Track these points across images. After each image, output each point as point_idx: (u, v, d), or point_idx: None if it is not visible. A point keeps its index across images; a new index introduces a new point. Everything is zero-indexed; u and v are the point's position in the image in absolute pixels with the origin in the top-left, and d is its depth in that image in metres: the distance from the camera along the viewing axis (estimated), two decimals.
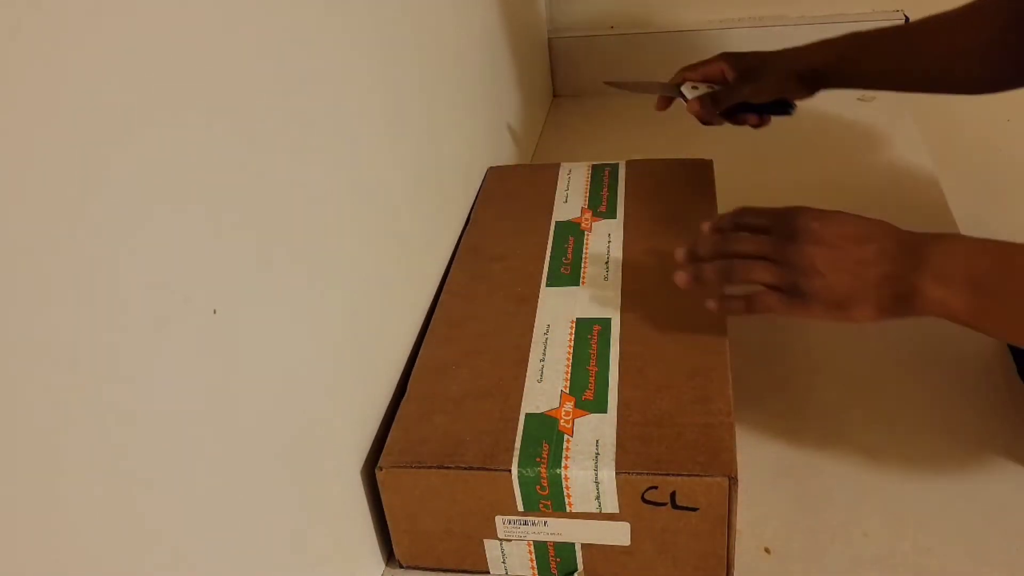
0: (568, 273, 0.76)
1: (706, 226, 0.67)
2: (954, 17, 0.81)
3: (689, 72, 0.91)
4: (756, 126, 0.91)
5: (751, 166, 1.11)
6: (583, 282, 0.74)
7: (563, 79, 1.41)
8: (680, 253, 0.67)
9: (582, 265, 0.76)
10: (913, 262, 0.58)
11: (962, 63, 0.82)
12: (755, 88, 0.88)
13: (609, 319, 0.70)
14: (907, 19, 1.28)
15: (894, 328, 0.81)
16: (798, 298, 0.60)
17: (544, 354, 0.67)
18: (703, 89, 0.90)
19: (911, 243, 0.59)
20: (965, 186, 1.06)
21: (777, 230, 0.62)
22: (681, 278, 0.65)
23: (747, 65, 0.89)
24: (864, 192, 1.03)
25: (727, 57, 0.90)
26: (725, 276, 0.63)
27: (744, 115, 0.90)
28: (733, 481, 0.55)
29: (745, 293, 0.62)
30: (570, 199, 0.86)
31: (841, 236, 0.60)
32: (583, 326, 0.69)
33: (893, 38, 0.86)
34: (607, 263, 0.76)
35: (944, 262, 0.57)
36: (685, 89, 0.90)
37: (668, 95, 0.92)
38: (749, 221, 0.64)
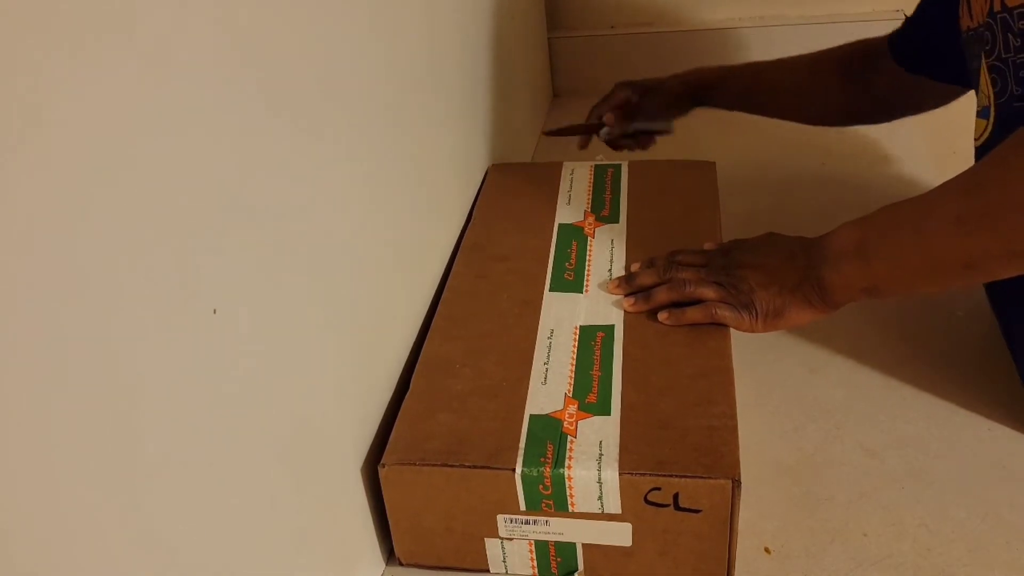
0: (572, 279, 0.76)
1: (636, 265, 0.76)
2: (802, 63, 0.98)
3: (601, 108, 1.02)
4: (645, 147, 1.04)
5: (753, 167, 1.11)
6: (586, 289, 0.74)
7: (563, 79, 1.41)
8: (613, 285, 0.74)
9: (585, 272, 0.76)
10: (812, 258, 0.67)
11: (805, 102, 1.00)
12: (655, 106, 1.01)
13: (612, 325, 0.70)
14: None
15: (894, 328, 0.82)
16: (745, 311, 0.69)
17: (548, 357, 0.67)
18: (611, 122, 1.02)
19: (808, 244, 0.69)
20: None
21: (714, 262, 0.72)
22: (629, 302, 0.71)
23: (644, 89, 1.02)
24: (863, 192, 1.04)
25: (627, 85, 1.02)
26: (677, 295, 0.70)
27: (646, 138, 1.03)
28: (736, 483, 0.55)
29: (697, 307, 0.69)
30: (573, 201, 0.86)
31: (763, 255, 0.71)
32: (587, 332, 0.69)
33: (753, 73, 1.02)
34: (610, 270, 0.76)
35: (832, 247, 0.66)
36: (602, 132, 1.02)
37: (588, 135, 1.05)
38: (683, 259, 0.73)
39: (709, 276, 0.71)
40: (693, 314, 0.69)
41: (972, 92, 0.76)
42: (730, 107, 1.03)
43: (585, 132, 1.03)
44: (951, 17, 0.79)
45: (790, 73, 1.00)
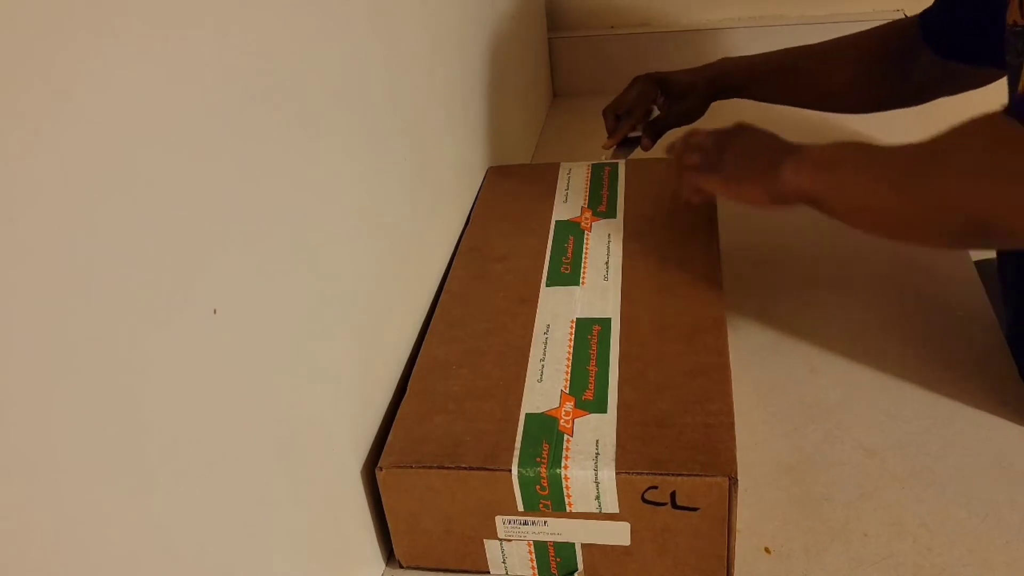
0: (568, 272, 0.76)
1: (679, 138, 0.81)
2: (835, 51, 0.97)
3: (621, 112, 0.98)
4: (647, 148, 0.99)
5: None
6: (583, 282, 0.74)
7: (563, 79, 1.41)
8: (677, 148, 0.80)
9: (582, 265, 0.76)
10: (785, 155, 0.70)
11: (844, 92, 0.98)
12: (686, 109, 0.98)
13: (609, 319, 0.70)
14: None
15: (894, 328, 0.81)
16: (713, 173, 0.75)
17: (544, 354, 0.67)
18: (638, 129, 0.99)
19: (794, 144, 0.72)
20: None
21: (717, 140, 0.78)
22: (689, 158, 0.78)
23: (672, 96, 0.98)
24: None
25: (655, 81, 0.98)
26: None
27: (648, 141, 0.99)
28: (733, 481, 0.55)
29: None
30: (570, 198, 0.87)
31: (751, 139, 0.76)
32: (583, 326, 0.69)
33: (787, 65, 0.99)
34: (607, 263, 0.76)
35: (805, 154, 0.70)
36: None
37: (630, 148, 1.01)
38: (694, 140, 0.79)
39: (707, 144, 0.76)
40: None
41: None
42: (761, 100, 1.01)
43: (630, 144, 1.02)
44: (990, 4, 0.75)
45: (826, 63, 0.97)
